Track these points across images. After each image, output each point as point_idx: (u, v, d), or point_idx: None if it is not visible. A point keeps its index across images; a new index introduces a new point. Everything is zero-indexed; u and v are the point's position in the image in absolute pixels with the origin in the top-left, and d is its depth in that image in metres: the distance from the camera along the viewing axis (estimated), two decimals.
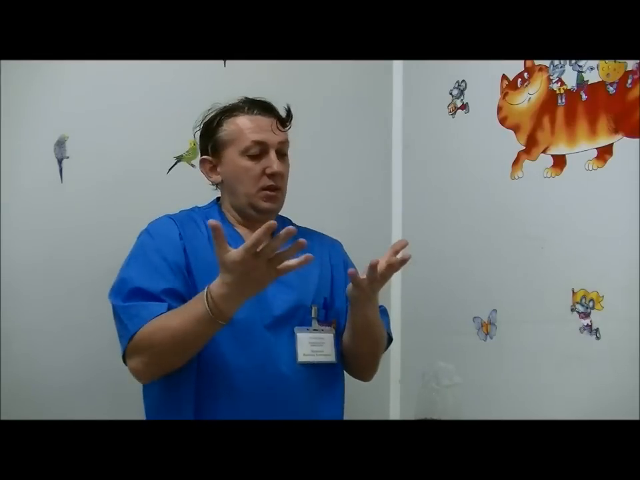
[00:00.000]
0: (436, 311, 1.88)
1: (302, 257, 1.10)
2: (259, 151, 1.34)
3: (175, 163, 1.73)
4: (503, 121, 1.71)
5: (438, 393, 1.24)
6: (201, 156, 1.41)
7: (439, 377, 1.25)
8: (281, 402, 1.27)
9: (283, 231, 1.08)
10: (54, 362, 1.56)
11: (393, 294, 2.00)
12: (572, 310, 1.50)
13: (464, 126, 1.84)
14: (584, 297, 1.48)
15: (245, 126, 1.35)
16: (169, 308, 1.21)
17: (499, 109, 1.72)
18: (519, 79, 1.67)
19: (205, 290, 1.16)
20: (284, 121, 1.38)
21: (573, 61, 1.53)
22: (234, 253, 1.10)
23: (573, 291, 1.50)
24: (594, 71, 1.48)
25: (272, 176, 1.34)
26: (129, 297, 1.24)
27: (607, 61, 1.45)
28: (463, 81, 1.85)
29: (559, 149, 1.56)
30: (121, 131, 1.66)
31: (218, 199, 1.45)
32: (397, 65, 2.07)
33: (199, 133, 1.43)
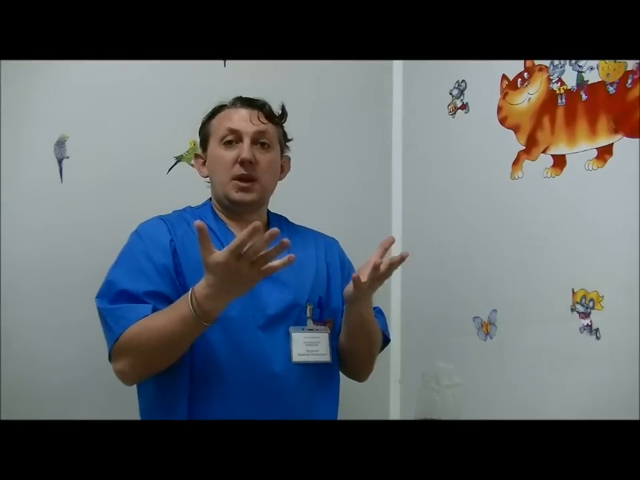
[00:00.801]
0: (436, 310, 1.88)
1: (285, 258, 1.10)
2: (233, 139, 1.34)
3: (175, 163, 1.73)
4: (502, 121, 1.71)
5: (438, 393, 1.24)
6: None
7: (438, 377, 1.25)
8: (275, 402, 1.26)
9: (266, 233, 1.07)
10: (54, 359, 1.56)
11: (393, 294, 2.00)
12: (572, 310, 1.50)
13: (464, 126, 1.84)
14: (584, 296, 1.48)
15: (225, 117, 1.37)
16: (154, 310, 1.21)
17: (499, 108, 1.72)
18: (519, 79, 1.67)
19: (190, 291, 1.16)
20: (268, 114, 1.38)
21: (573, 61, 1.53)
22: (218, 255, 1.09)
23: (573, 291, 1.50)
24: (594, 70, 1.48)
25: (242, 164, 1.32)
26: (115, 299, 1.24)
27: (606, 61, 1.45)
28: (463, 81, 1.85)
29: (559, 148, 1.56)
30: (121, 131, 1.66)
31: (211, 199, 1.45)
32: (397, 65, 2.07)
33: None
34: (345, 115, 1.98)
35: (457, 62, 1.78)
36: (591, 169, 1.48)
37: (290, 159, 1.46)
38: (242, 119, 1.35)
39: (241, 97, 1.40)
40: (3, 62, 1.49)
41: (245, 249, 1.07)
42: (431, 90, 1.96)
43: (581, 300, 1.48)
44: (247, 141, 1.34)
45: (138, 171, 1.68)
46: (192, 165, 1.68)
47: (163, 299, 1.23)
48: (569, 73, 1.55)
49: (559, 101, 1.56)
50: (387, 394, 1.99)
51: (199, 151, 1.44)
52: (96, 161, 1.64)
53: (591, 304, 1.47)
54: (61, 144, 1.61)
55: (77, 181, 1.62)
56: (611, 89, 1.45)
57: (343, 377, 1.46)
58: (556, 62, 1.57)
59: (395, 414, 1.99)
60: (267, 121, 1.37)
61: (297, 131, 1.44)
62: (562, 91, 1.56)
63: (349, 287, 1.29)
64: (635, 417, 1.30)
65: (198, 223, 1.09)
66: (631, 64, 1.41)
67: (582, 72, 1.51)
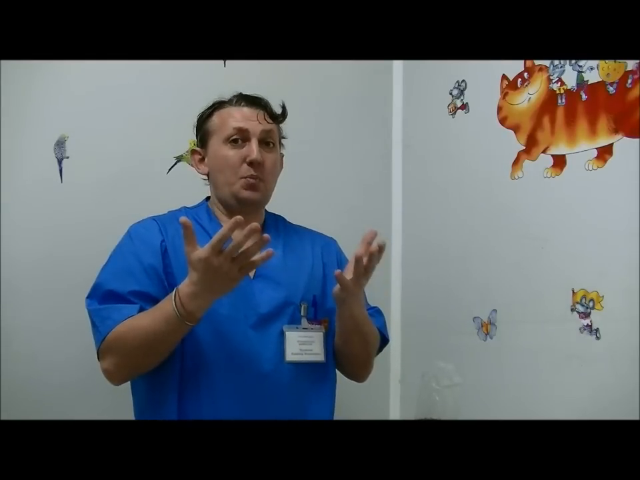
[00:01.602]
0: (436, 310, 1.88)
1: (264, 253, 1.11)
2: (240, 138, 1.34)
3: (175, 163, 1.73)
4: (502, 121, 1.71)
5: (438, 393, 1.24)
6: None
7: (438, 377, 1.25)
8: (266, 401, 1.26)
9: (247, 228, 1.07)
10: (54, 360, 1.56)
11: (393, 294, 2.00)
12: (572, 310, 1.50)
13: (464, 126, 1.84)
14: (584, 297, 1.48)
15: (230, 115, 1.35)
16: (141, 310, 1.22)
17: (499, 108, 1.72)
18: (519, 79, 1.67)
19: (174, 290, 1.17)
20: (272, 113, 1.38)
21: (573, 61, 1.53)
22: (200, 251, 1.11)
23: (573, 291, 1.50)
24: (594, 70, 1.48)
25: (251, 164, 1.32)
26: (103, 300, 1.24)
27: (606, 60, 1.45)
28: (463, 80, 1.85)
29: (559, 149, 1.56)
30: (121, 131, 1.66)
31: (207, 198, 1.45)
32: (397, 64, 2.07)
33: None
34: (345, 115, 1.98)
35: (456, 62, 1.78)
36: (590, 168, 1.48)
37: (283, 156, 1.46)
38: (248, 118, 1.35)
39: (241, 94, 1.39)
40: (3, 62, 1.49)
41: (228, 246, 1.08)
42: (431, 90, 1.96)
43: (580, 300, 1.48)
44: (254, 140, 1.34)
45: (138, 171, 1.67)
46: (192, 165, 1.69)
47: (149, 299, 1.24)
48: (568, 73, 1.55)
49: (559, 101, 1.56)
50: (387, 394, 1.98)
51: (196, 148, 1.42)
52: (96, 161, 1.64)
53: (591, 304, 1.47)
54: (60, 144, 1.61)
55: (77, 181, 1.62)
56: (611, 89, 1.45)
57: (342, 377, 1.46)
58: (556, 62, 1.57)
59: (394, 414, 1.99)
60: (271, 121, 1.37)
61: (296, 131, 1.44)
62: (562, 91, 1.56)
63: (337, 288, 1.28)
64: (635, 417, 1.30)
65: (183, 219, 1.10)
66: (631, 64, 1.41)
67: (582, 72, 1.51)
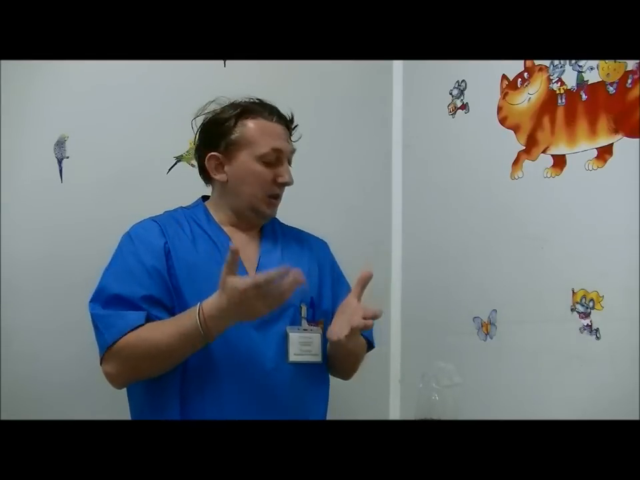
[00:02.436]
0: (436, 310, 1.88)
1: (290, 284, 1.15)
2: (274, 159, 1.34)
3: (175, 163, 1.73)
4: (503, 121, 1.71)
5: (438, 393, 1.24)
6: (204, 150, 1.36)
7: (438, 377, 1.26)
8: (268, 400, 1.26)
9: (291, 277, 1.13)
10: (54, 359, 1.56)
11: (393, 294, 2.00)
12: (572, 310, 1.50)
13: (464, 126, 1.84)
14: (584, 296, 1.48)
15: (265, 131, 1.34)
16: (147, 316, 1.22)
17: (499, 108, 1.72)
18: (519, 79, 1.67)
19: (197, 307, 1.17)
20: (291, 130, 1.40)
21: (573, 61, 1.53)
22: (238, 281, 1.13)
23: (573, 291, 1.50)
24: (594, 70, 1.48)
25: (280, 185, 1.35)
26: (107, 304, 1.24)
27: (606, 60, 1.45)
28: (463, 80, 1.85)
29: (559, 149, 1.56)
30: (121, 130, 1.66)
31: (202, 198, 1.44)
32: (397, 64, 2.07)
33: (197, 123, 1.40)
34: (345, 115, 1.98)
35: (456, 62, 1.78)
36: (590, 168, 1.48)
37: None
38: (282, 138, 1.36)
39: (268, 105, 1.37)
40: (3, 62, 1.49)
41: (265, 283, 1.12)
42: (431, 90, 1.96)
43: (581, 300, 1.48)
44: (286, 163, 1.36)
45: (138, 171, 1.67)
46: (192, 165, 1.69)
47: (154, 303, 1.24)
48: (568, 73, 1.55)
49: (559, 101, 1.56)
50: (387, 394, 1.98)
51: (210, 149, 1.35)
52: (96, 161, 1.64)
53: (591, 304, 1.47)
54: (60, 144, 1.61)
55: (77, 181, 1.62)
56: (611, 89, 1.45)
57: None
58: (556, 62, 1.57)
59: (394, 414, 1.99)
60: (293, 139, 1.40)
61: (296, 131, 1.44)
62: (562, 91, 1.56)
63: (330, 336, 1.28)
64: (635, 417, 1.30)
65: (234, 247, 1.14)
66: (631, 64, 1.41)
67: (582, 72, 1.51)
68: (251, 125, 1.34)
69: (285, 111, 1.40)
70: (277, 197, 1.37)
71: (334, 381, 1.48)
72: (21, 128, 1.57)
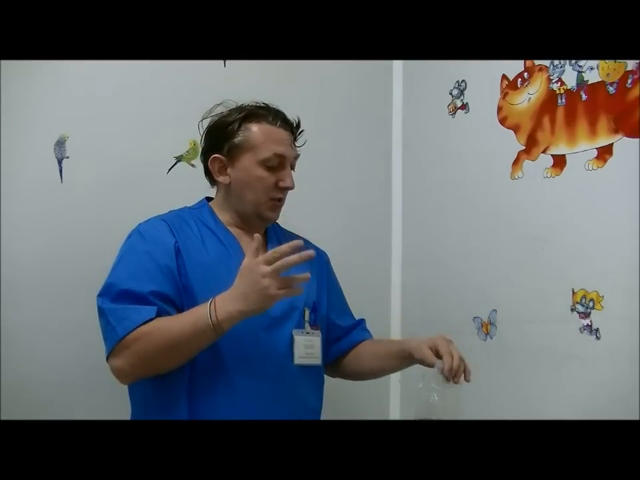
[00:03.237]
0: (436, 310, 1.88)
1: (306, 275, 1.18)
2: (276, 164, 1.34)
3: (175, 163, 1.72)
4: (503, 121, 1.71)
5: (438, 393, 1.24)
6: (209, 152, 1.38)
7: (438, 376, 1.26)
8: (274, 399, 1.27)
9: (303, 254, 1.15)
10: (54, 359, 1.56)
11: (393, 294, 2.00)
12: (572, 310, 1.50)
13: (464, 126, 1.84)
14: (584, 296, 1.48)
15: (268, 136, 1.34)
16: (159, 311, 1.22)
17: (499, 109, 1.72)
18: (519, 79, 1.67)
19: (210, 300, 1.18)
20: (296, 136, 1.41)
21: (573, 61, 1.53)
22: (251, 258, 1.16)
23: (573, 291, 1.50)
24: (594, 70, 1.48)
25: (283, 189, 1.36)
26: (117, 299, 1.23)
27: (606, 60, 1.45)
28: (463, 80, 1.85)
29: (559, 149, 1.56)
30: (121, 130, 1.66)
31: (207, 198, 1.44)
32: (397, 64, 2.07)
33: (203, 125, 1.41)
34: (345, 115, 1.98)
35: (456, 62, 1.78)
36: (590, 168, 1.48)
37: None
38: (285, 144, 1.36)
39: (274, 109, 1.38)
40: (3, 62, 1.49)
41: (277, 259, 1.14)
42: (431, 90, 1.96)
43: (581, 300, 1.48)
44: (288, 167, 1.37)
45: (138, 171, 1.67)
46: (192, 165, 1.69)
47: (165, 299, 1.24)
48: (569, 73, 1.55)
49: (559, 101, 1.56)
50: (387, 394, 1.98)
51: (214, 151, 1.36)
52: (96, 161, 1.63)
53: (591, 304, 1.47)
54: (60, 144, 1.61)
55: (77, 181, 1.62)
56: (611, 89, 1.45)
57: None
58: (556, 62, 1.57)
59: (395, 414, 1.99)
60: (297, 144, 1.41)
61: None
62: (562, 91, 1.56)
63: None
64: (635, 417, 1.30)
65: (257, 235, 1.19)
66: (631, 64, 1.41)
67: (582, 72, 1.51)
68: (254, 129, 1.34)
69: (291, 116, 1.40)
70: (279, 201, 1.38)
71: (334, 381, 1.48)
72: (21, 128, 1.57)
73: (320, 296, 1.43)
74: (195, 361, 1.24)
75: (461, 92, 1.85)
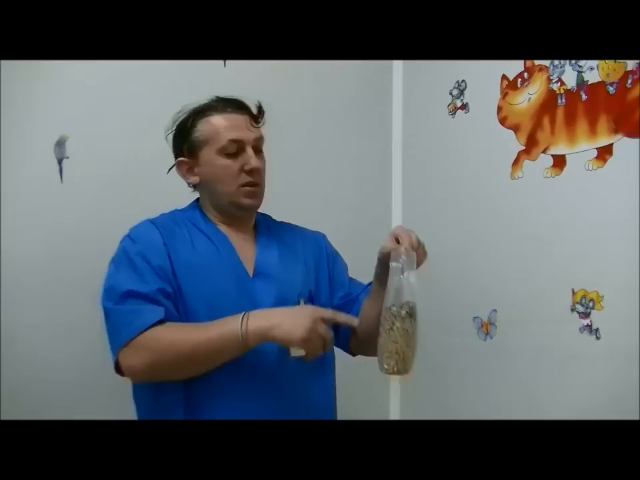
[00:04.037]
0: (436, 310, 1.88)
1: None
2: (235, 149, 1.33)
3: (175, 163, 1.72)
4: (503, 121, 1.71)
5: (403, 274, 1.26)
6: (175, 158, 1.40)
7: (400, 261, 1.29)
8: (273, 394, 1.26)
9: (348, 320, 1.26)
10: (54, 359, 1.56)
11: None
12: (572, 310, 1.50)
13: (464, 126, 1.84)
14: (584, 296, 1.48)
15: (220, 125, 1.34)
16: (167, 312, 1.21)
17: (499, 109, 1.72)
18: (519, 79, 1.67)
19: (242, 313, 1.19)
20: (257, 118, 1.38)
21: (573, 61, 1.53)
22: (316, 310, 1.22)
23: (572, 291, 1.50)
24: (594, 70, 1.49)
25: (250, 172, 1.34)
26: (122, 300, 1.23)
27: (606, 60, 1.45)
28: (463, 81, 1.85)
29: (559, 149, 1.56)
30: (121, 130, 1.66)
31: (198, 200, 1.45)
32: (397, 64, 2.07)
33: (171, 135, 1.41)
34: (345, 115, 1.98)
35: (456, 62, 1.79)
36: (590, 168, 1.48)
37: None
38: (240, 127, 1.34)
39: (223, 98, 1.38)
40: (3, 62, 1.49)
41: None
42: (431, 90, 1.96)
43: (581, 300, 1.49)
44: (249, 149, 1.34)
45: (138, 171, 1.67)
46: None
47: (168, 297, 1.24)
48: (568, 73, 1.55)
49: (559, 101, 1.56)
50: (387, 394, 1.98)
51: (178, 156, 1.39)
52: (96, 161, 1.64)
53: (590, 304, 1.47)
54: (60, 144, 1.61)
55: (77, 181, 1.62)
56: (611, 89, 1.45)
57: (342, 377, 1.46)
58: (556, 62, 1.57)
59: (395, 414, 1.99)
60: (257, 125, 1.37)
61: (297, 131, 1.45)
62: (562, 91, 1.56)
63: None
64: (635, 417, 1.30)
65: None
66: (631, 64, 1.41)
67: (582, 72, 1.51)
68: (205, 123, 1.35)
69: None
70: (252, 185, 1.35)
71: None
72: (21, 128, 1.57)
73: (319, 284, 1.41)
74: None
75: (461, 92, 1.86)
